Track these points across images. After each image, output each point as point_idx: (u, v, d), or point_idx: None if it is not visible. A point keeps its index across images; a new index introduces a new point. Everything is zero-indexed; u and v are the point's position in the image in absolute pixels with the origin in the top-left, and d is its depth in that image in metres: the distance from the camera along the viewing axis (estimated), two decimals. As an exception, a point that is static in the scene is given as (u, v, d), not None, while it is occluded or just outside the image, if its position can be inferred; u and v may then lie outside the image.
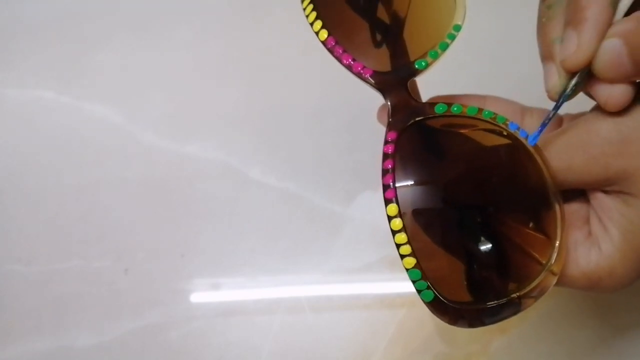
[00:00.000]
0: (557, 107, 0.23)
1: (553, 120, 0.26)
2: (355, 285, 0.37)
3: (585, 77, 0.22)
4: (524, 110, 0.27)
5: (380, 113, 0.26)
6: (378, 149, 0.23)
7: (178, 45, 0.43)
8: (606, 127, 0.22)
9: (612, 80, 0.22)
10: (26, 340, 0.36)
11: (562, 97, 0.23)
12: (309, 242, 0.38)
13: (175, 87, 0.42)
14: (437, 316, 0.22)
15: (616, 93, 0.22)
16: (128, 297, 0.37)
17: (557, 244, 0.23)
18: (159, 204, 0.39)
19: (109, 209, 0.39)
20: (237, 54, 0.43)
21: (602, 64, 0.21)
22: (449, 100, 0.25)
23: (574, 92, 0.23)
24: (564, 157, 0.23)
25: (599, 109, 0.23)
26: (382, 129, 0.24)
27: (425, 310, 0.23)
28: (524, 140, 0.23)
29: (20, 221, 0.39)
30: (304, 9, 0.26)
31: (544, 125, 0.23)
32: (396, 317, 0.36)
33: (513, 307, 0.22)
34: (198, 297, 0.37)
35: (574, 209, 0.25)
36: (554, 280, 0.23)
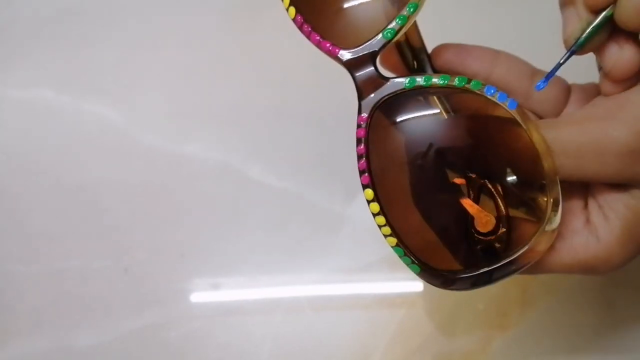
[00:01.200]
0: (569, 54, 0.22)
1: (561, 87, 0.25)
2: (355, 285, 0.37)
3: (605, 27, 0.21)
4: (534, 72, 0.25)
5: (385, 58, 0.26)
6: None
7: (178, 45, 0.43)
8: (624, 132, 0.21)
9: (636, 28, 0.20)
10: (26, 340, 0.36)
11: (575, 43, 0.21)
12: (308, 242, 0.38)
13: (175, 86, 0.42)
14: (430, 284, 0.23)
15: (626, 56, 0.21)
16: (128, 297, 0.37)
17: (548, 209, 0.22)
18: (159, 203, 0.39)
19: (109, 209, 0.39)
20: (236, 53, 0.43)
21: (630, 4, 0.19)
22: (458, 54, 0.25)
23: (589, 41, 0.21)
24: (573, 158, 0.22)
25: (613, 109, 0.22)
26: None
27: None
28: (503, 105, 0.22)
29: (20, 221, 0.39)
30: None
31: (548, 76, 0.22)
32: (396, 317, 0.36)
33: (506, 270, 0.22)
34: (198, 297, 0.37)
35: (571, 193, 0.24)
36: (549, 241, 0.22)
